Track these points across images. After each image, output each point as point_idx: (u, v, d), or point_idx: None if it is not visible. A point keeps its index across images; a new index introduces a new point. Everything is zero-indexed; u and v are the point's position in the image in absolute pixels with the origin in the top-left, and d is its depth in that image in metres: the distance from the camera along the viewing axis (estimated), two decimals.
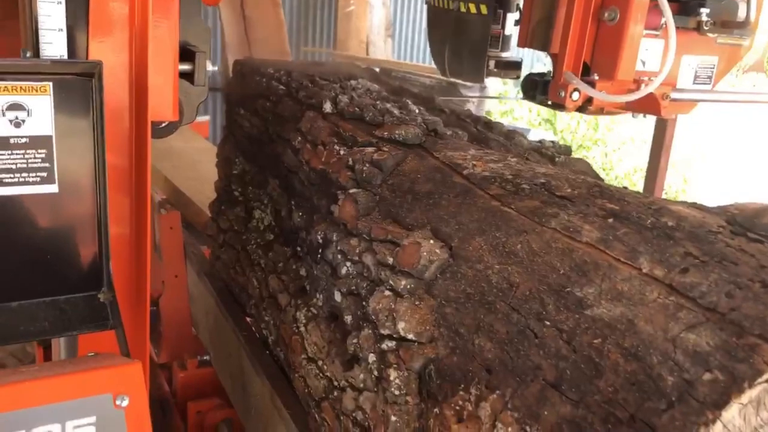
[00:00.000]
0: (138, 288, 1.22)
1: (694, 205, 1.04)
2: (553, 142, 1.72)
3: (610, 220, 1.00)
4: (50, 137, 1.02)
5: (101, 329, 1.06)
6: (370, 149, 1.40)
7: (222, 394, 2.00)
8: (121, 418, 0.90)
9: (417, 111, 1.59)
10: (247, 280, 1.78)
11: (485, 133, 1.66)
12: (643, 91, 1.68)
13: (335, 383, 1.28)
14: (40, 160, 1.01)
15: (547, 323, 0.91)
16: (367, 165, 1.36)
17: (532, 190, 1.11)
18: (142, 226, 1.19)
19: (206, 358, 2.12)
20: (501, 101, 9.04)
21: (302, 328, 1.43)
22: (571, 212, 1.03)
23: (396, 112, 1.51)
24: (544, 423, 0.85)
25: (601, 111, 2.07)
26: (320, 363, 1.34)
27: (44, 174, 1.02)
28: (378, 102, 1.58)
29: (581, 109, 1.99)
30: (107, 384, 0.90)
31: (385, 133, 1.41)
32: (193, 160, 3.62)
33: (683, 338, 0.79)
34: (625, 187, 1.14)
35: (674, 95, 1.83)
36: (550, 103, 1.99)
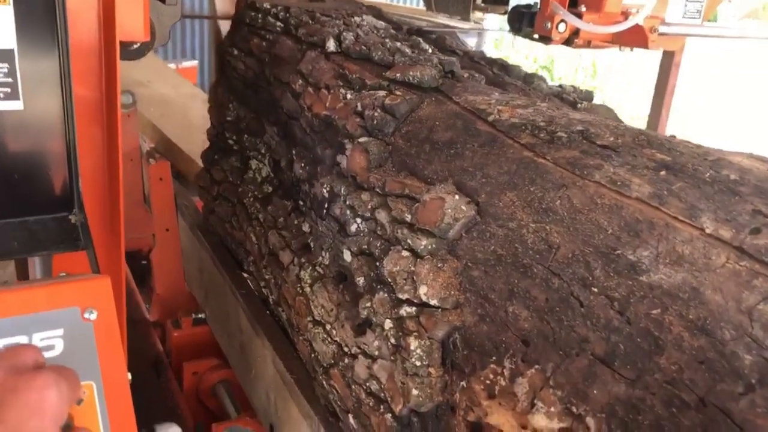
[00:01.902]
0: (111, 207, 1.18)
1: (752, 156, 0.93)
2: (573, 86, 1.58)
3: (663, 173, 0.88)
4: (12, 51, 0.96)
5: (72, 250, 1.04)
6: (381, 93, 1.26)
7: (219, 354, 1.91)
8: (89, 331, 0.89)
9: (430, 50, 1.45)
10: (245, 236, 1.66)
11: (502, 76, 1.52)
12: (631, 21, 1.57)
13: (345, 349, 1.18)
14: (2, 75, 0.96)
15: (595, 290, 0.81)
16: (378, 111, 1.23)
17: (570, 138, 0.99)
18: (113, 145, 1.14)
19: (201, 316, 2.02)
20: (497, 45, 8.82)
21: (307, 289, 1.32)
22: (616, 164, 0.92)
23: (408, 51, 1.37)
24: (594, 403, 0.75)
25: (588, 44, 1.98)
26: (328, 327, 1.24)
27: (7, 90, 0.97)
28: (387, 40, 1.44)
29: (568, 42, 1.89)
30: (74, 297, 0.89)
31: (398, 75, 1.28)
32: (183, 107, 3.46)
33: (761, 310, 0.69)
34: (673, 136, 1.02)
35: (662, 29, 1.74)
36: (536, 36, 1.89)
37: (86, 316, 0.89)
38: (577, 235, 0.86)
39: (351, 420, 1.18)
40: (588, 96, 1.54)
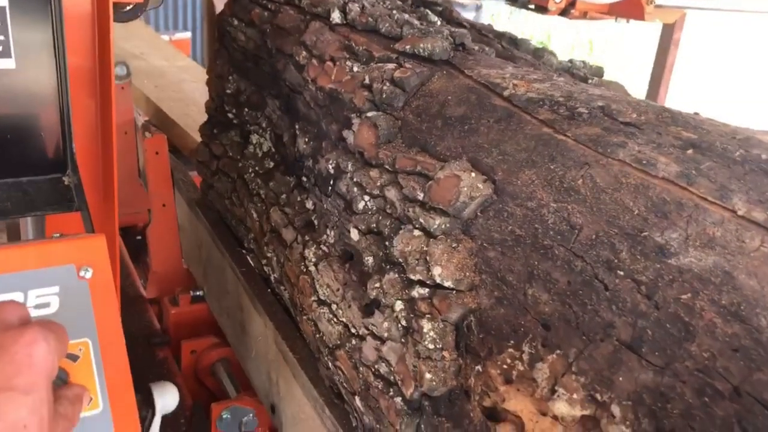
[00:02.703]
0: (105, 167, 1.17)
1: None
2: (583, 61, 1.54)
3: (690, 152, 0.84)
4: (3, 8, 0.95)
5: (65, 211, 1.04)
6: (390, 66, 1.22)
7: (218, 332, 1.88)
8: (85, 289, 0.89)
9: (439, 22, 1.40)
10: (245, 212, 1.62)
11: (511, 50, 1.48)
12: None
13: (352, 330, 1.15)
14: None
15: (621, 273, 0.77)
16: (387, 84, 1.19)
17: (591, 114, 0.95)
18: (106, 105, 1.13)
19: (200, 293, 1.98)
20: (493, 20, 8.71)
21: (312, 268, 1.29)
22: (641, 142, 0.88)
23: (416, 23, 1.32)
24: (619, 391, 0.72)
25: (584, 15, 1.94)
26: (334, 307, 1.21)
27: None
28: (394, 11, 1.39)
29: (564, 12, 1.85)
30: (70, 255, 0.90)
31: (407, 47, 1.23)
32: (177, 80, 3.39)
33: None
34: (697, 113, 0.98)
35: (659, 0, 1.70)
36: (532, 6, 1.84)
37: (81, 274, 0.89)
38: (601, 216, 0.83)
39: (358, 402, 1.15)
40: (598, 72, 1.50)
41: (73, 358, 0.85)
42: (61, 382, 0.80)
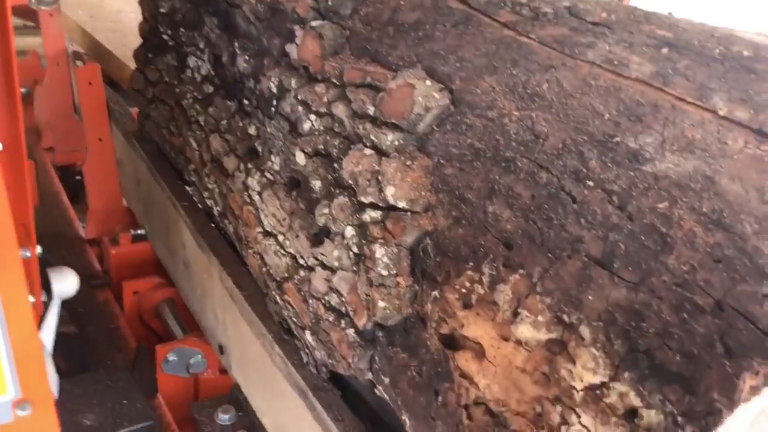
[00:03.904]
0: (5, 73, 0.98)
1: (762, 34, 0.82)
2: None
3: (665, 51, 0.76)
4: None
5: None
6: None
7: (161, 272, 1.77)
8: None
9: None
10: (184, 142, 1.50)
11: None
12: None
13: (301, 261, 1.06)
14: None
15: (590, 183, 0.70)
16: None
17: (557, 15, 0.86)
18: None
19: (141, 232, 1.86)
20: None
21: (256, 197, 1.19)
22: (611, 41, 0.80)
23: None
24: (588, 311, 0.66)
25: None
26: (281, 238, 1.12)
27: None
28: None
29: None
30: None
31: None
32: (115, 10, 3.16)
33: None
34: (670, 13, 0.90)
35: None
36: None
37: None
38: (569, 122, 0.75)
39: (308, 337, 1.07)
40: None
41: None
42: None
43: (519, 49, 0.84)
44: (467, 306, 0.78)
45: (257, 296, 1.27)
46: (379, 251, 0.87)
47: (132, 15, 3.16)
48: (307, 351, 1.11)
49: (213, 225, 1.48)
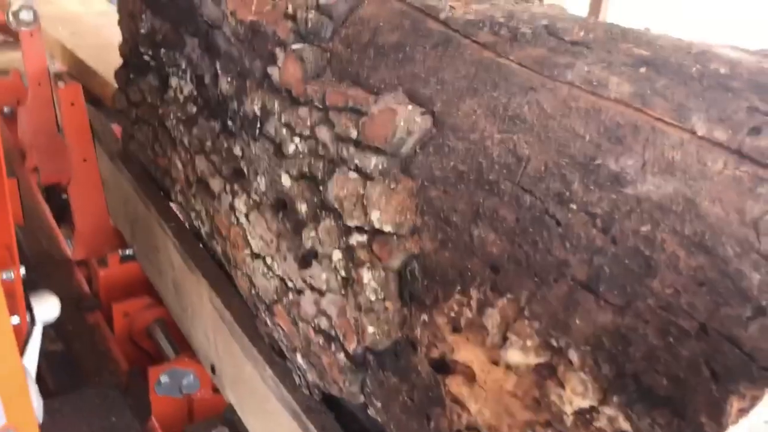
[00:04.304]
0: None
1: (738, 48, 0.82)
2: None
3: (643, 70, 0.77)
4: None
5: None
6: None
7: (151, 292, 1.77)
8: None
9: None
10: (170, 162, 1.50)
11: None
12: None
13: (289, 284, 1.06)
14: None
15: (573, 206, 0.70)
16: (313, 12, 1.07)
17: (535, 34, 0.87)
18: None
19: (129, 252, 1.86)
20: None
21: (243, 219, 1.19)
22: (590, 61, 0.80)
23: None
24: (576, 335, 0.66)
25: None
26: (269, 260, 1.11)
27: None
28: None
29: None
30: None
31: None
32: (95, 25, 3.14)
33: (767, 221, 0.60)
34: (647, 28, 0.90)
35: None
36: None
37: None
38: (550, 145, 0.75)
39: (299, 359, 1.08)
40: None
41: None
42: None
43: (499, 70, 0.85)
44: (456, 330, 0.79)
45: (247, 318, 1.26)
46: (367, 275, 0.87)
47: (113, 29, 3.14)
48: (299, 373, 1.11)
49: (201, 245, 1.47)
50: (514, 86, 0.82)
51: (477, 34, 0.91)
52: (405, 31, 0.98)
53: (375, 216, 0.87)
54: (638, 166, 0.69)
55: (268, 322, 1.15)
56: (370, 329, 0.86)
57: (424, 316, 0.82)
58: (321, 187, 0.98)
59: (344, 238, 0.92)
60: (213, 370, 1.45)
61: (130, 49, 1.66)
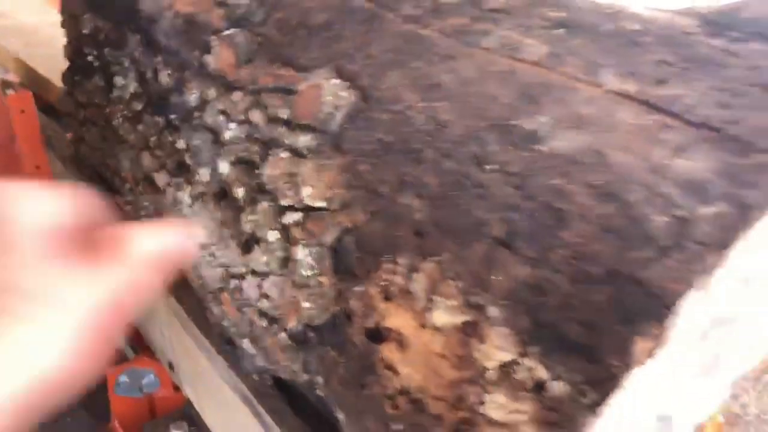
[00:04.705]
0: None
1: (651, 8, 0.84)
2: None
3: (559, 31, 0.78)
4: None
5: None
6: None
7: None
8: None
9: None
10: (118, 162, 1.49)
11: None
12: None
13: (232, 270, 1.06)
14: None
15: (490, 167, 0.71)
16: None
17: (457, 5, 0.88)
18: None
19: None
20: None
21: (187, 211, 1.18)
22: (507, 26, 0.81)
23: None
24: (496, 290, 0.67)
25: None
26: (213, 248, 1.11)
27: None
28: None
29: None
30: None
31: None
32: (49, 36, 3.10)
33: (671, 165, 0.61)
34: None
35: None
36: None
37: None
38: (468, 109, 0.76)
39: (248, 344, 1.07)
40: None
41: None
42: None
43: (421, 42, 0.85)
44: (388, 298, 0.79)
45: (198, 310, 1.26)
46: (302, 252, 0.87)
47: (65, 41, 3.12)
48: (248, 359, 1.10)
49: None
50: (434, 56, 0.83)
51: (401, 8, 0.92)
52: (333, 10, 0.99)
53: (306, 193, 0.87)
54: (551, 124, 0.70)
55: (216, 311, 1.14)
56: (306, 304, 0.86)
57: (359, 288, 0.82)
58: (257, 170, 0.98)
59: (279, 219, 0.92)
60: (171, 366, 1.44)
61: (74, 50, 1.64)
